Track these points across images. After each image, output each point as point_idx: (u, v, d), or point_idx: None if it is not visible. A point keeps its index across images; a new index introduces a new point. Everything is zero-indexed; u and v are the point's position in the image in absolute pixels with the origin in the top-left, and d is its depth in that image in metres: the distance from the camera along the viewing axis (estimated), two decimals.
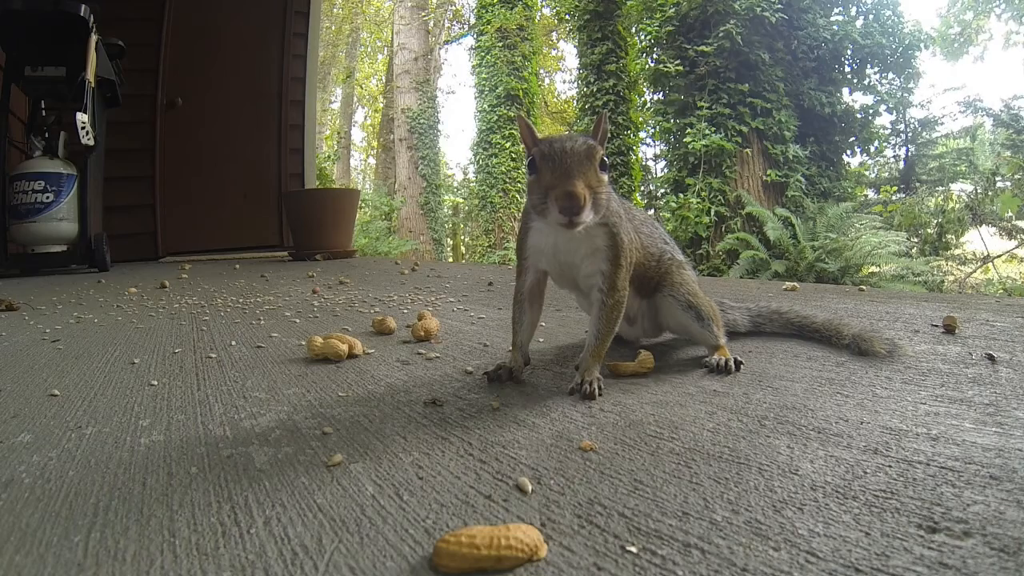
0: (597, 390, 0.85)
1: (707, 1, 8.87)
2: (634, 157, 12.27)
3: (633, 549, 0.45)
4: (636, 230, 1.00)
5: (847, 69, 9.44)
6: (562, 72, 22.19)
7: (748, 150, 8.87)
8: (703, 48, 8.89)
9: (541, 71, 17.97)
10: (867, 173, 10.89)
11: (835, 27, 9.10)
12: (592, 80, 12.02)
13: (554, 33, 19.93)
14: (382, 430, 0.74)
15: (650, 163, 13.80)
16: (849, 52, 9.19)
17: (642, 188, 12.50)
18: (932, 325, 1.27)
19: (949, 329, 1.18)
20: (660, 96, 9.91)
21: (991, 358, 0.96)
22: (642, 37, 10.09)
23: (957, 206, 9.20)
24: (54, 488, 0.60)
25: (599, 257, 0.90)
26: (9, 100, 3.79)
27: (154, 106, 5.80)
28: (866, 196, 10.41)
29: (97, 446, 0.71)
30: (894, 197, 9.97)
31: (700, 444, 0.66)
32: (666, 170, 10.23)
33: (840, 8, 9.55)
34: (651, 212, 13.10)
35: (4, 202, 3.75)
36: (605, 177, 0.83)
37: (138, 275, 3.55)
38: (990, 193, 9.03)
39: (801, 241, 7.76)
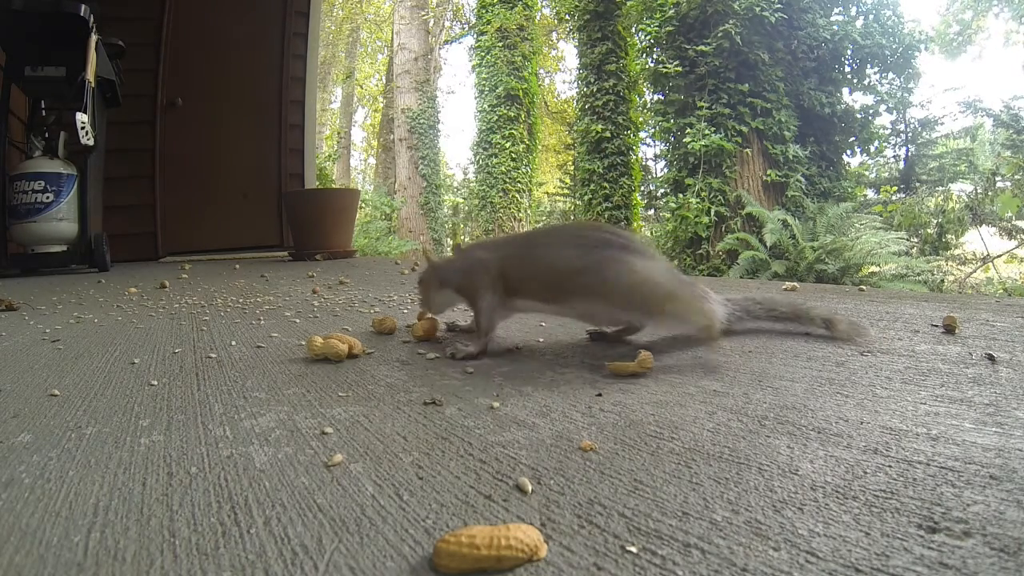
0: (466, 356, 1.09)
1: (707, 1, 8.86)
2: (634, 157, 12.27)
3: (633, 549, 0.45)
4: (531, 255, 1.16)
5: (847, 69, 9.42)
6: (562, 72, 22.20)
7: (748, 150, 8.85)
8: (703, 48, 8.88)
9: (541, 71, 17.97)
10: (867, 173, 10.88)
11: (835, 27, 9.08)
12: (592, 80, 12.01)
13: (554, 33, 19.92)
14: (382, 430, 0.74)
15: (650, 163, 13.82)
16: (849, 52, 9.17)
17: (642, 188, 12.50)
18: (932, 325, 1.26)
19: (949, 329, 1.18)
20: (660, 96, 9.89)
21: (991, 358, 0.96)
22: (642, 37, 10.07)
23: (957, 206, 9.20)
24: (54, 488, 0.59)
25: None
26: (9, 100, 3.79)
27: (154, 106, 5.79)
28: (866, 196, 10.40)
29: (97, 446, 0.71)
30: (894, 197, 9.96)
31: (700, 444, 0.66)
32: (666, 170, 10.21)
33: (840, 8, 9.54)
34: (651, 212, 13.10)
35: (4, 202, 3.75)
36: (431, 286, 1.28)
37: (138, 275, 3.54)
38: (990, 193, 9.03)
39: (801, 241, 7.75)
